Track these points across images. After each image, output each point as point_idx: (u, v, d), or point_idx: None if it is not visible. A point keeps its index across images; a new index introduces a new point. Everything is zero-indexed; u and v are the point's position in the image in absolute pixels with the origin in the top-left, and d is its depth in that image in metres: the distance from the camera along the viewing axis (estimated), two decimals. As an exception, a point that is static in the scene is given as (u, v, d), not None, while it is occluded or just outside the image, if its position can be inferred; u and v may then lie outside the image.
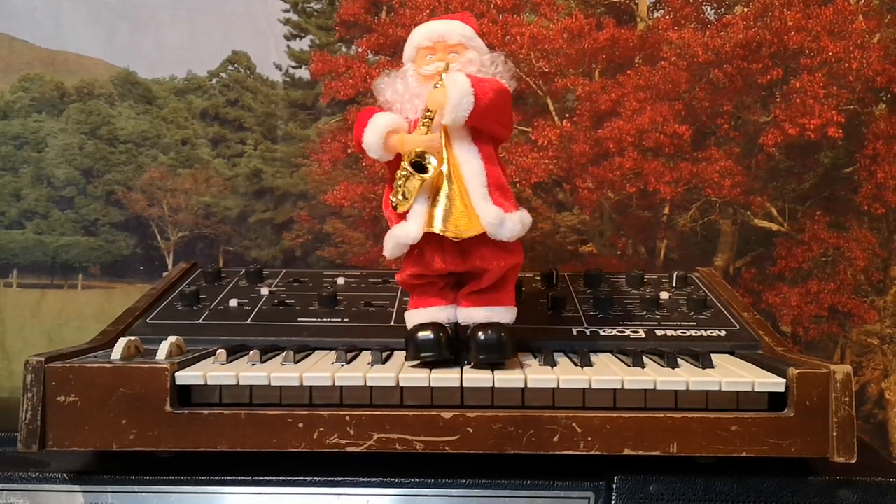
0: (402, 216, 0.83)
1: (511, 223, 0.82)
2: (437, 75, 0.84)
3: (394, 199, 0.82)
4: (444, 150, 0.83)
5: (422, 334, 0.83)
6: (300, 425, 0.76)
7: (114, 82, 1.57)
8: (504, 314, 0.86)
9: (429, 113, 0.82)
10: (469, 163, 0.83)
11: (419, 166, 0.81)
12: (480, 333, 0.83)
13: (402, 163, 0.82)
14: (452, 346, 0.84)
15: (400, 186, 0.82)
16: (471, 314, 0.86)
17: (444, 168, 0.82)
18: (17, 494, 0.81)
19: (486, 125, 0.84)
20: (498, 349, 0.82)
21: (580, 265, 1.54)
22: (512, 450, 0.76)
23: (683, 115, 1.52)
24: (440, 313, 0.87)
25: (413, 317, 0.87)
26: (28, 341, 1.56)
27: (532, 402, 0.78)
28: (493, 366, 0.82)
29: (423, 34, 0.87)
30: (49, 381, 0.76)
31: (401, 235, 0.83)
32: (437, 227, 0.81)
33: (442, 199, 0.82)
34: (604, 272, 1.14)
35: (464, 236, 0.81)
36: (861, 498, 0.78)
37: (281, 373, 0.78)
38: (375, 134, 0.83)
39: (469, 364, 0.84)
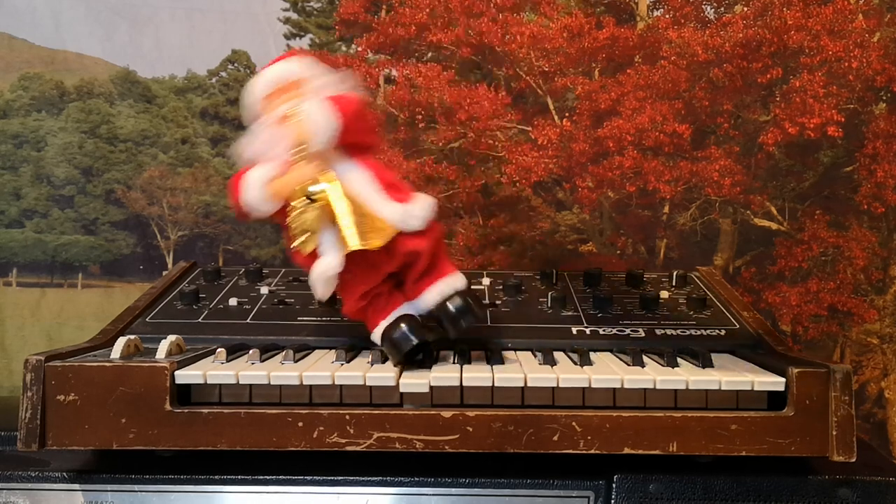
0: (314, 256, 0.83)
1: (417, 211, 0.83)
2: (293, 111, 0.82)
3: (297, 244, 0.82)
4: (327, 174, 0.82)
5: (393, 332, 0.83)
6: (300, 424, 0.76)
7: (113, 81, 1.57)
8: (454, 281, 0.86)
9: (299, 147, 0.81)
10: (355, 177, 0.83)
11: (309, 199, 0.81)
12: (449, 304, 0.84)
13: (292, 203, 0.81)
14: (426, 326, 0.84)
15: (298, 226, 0.81)
16: (425, 299, 0.86)
17: (335, 191, 0.82)
18: (17, 493, 0.81)
19: (356, 137, 0.83)
20: (470, 312, 0.84)
21: (580, 264, 1.54)
22: (512, 449, 0.76)
23: (683, 114, 1.52)
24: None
25: (379, 332, 0.87)
26: (28, 340, 1.56)
27: (532, 401, 0.78)
28: (490, 360, 0.83)
29: (261, 87, 0.85)
30: (49, 380, 0.76)
31: (326, 269, 0.82)
32: (356, 245, 0.81)
33: (345, 219, 0.81)
34: (603, 271, 1.14)
35: (383, 242, 0.82)
36: (860, 497, 0.78)
37: (280, 372, 0.78)
38: (255, 188, 0.81)
39: (453, 345, 0.85)
